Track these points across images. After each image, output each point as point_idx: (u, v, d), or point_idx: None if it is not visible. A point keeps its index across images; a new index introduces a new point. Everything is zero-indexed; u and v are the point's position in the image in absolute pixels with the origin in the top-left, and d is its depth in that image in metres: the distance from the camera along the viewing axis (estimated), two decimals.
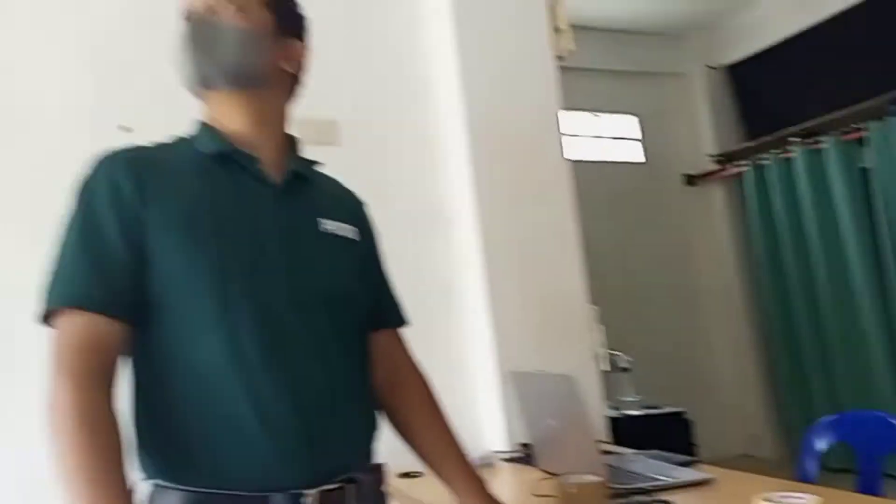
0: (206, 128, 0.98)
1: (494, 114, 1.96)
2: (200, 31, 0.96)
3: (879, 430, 1.51)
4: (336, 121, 1.94)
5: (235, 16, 0.96)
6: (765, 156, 3.90)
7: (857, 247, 3.42)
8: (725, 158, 4.15)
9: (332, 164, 1.25)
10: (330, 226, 0.99)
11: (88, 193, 0.90)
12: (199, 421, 0.87)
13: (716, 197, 4.28)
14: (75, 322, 0.85)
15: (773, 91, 3.93)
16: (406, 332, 1.12)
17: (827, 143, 3.58)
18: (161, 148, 0.97)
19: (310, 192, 1.01)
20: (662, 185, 4.17)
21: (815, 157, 3.64)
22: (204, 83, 0.96)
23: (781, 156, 3.81)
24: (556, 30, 2.05)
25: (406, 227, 1.90)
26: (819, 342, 3.60)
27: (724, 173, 4.17)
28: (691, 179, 4.29)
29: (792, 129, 3.71)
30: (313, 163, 1.06)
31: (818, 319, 3.59)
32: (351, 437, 0.95)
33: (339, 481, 0.90)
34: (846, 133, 3.51)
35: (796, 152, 3.71)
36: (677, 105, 4.26)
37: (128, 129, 1.64)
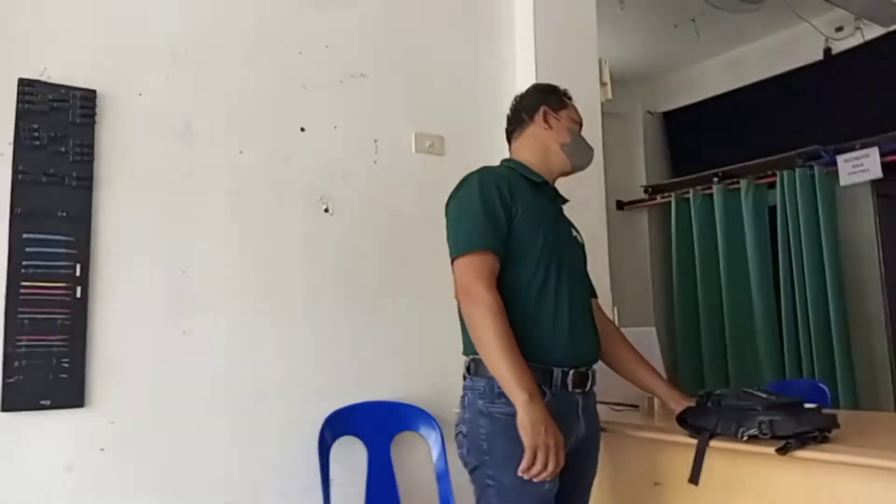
0: (523, 165, 1.73)
1: None
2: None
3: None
4: (443, 136, 2.35)
5: None
6: (688, 190, 4.68)
7: (759, 272, 4.25)
8: (654, 190, 4.91)
9: (440, 170, 2.11)
10: (573, 230, 1.77)
11: (483, 189, 1.59)
12: (523, 318, 1.52)
13: (643, 222, 5.03)
14: (485, 257, 1.52)
15: (700, 137, 4.73)
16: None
17: (742, 184, 4.40)
18: (506, 172, 1.68)
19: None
20: None
21: (732, 194, 4.46)
22: (575, 171, 1.80)
23: (702, 191, 4.60)
24: (602, 83, 2.58)
25: None
26: (720, 357, 4.40)
27: (652, 202, 4.93)
28: (621, 205, 5.01)
29: (714, 170, 4.51)
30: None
31: (721, 336, 4.40)
32: (594, 344, 1.66)
33: (587, 368, 1.61)
34: (759, 177, 4.35)
35: (715, 189, 4.52)
36: (618, 142, 4.97)
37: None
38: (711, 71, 4.58)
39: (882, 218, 4.09)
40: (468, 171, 2.37)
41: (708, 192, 4.51)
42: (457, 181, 2.35)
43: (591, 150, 1.82)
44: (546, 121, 1.75)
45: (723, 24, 4.13)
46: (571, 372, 1.55)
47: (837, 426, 1.45)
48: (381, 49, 2.30)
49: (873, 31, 4.00)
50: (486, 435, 1.50)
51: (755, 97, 4.35)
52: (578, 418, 1.59)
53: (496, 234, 1.53)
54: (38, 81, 1.80)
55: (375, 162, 2.25)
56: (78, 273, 1.80)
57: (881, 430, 1.81)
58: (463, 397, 1.59)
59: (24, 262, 1.75)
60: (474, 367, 1.56)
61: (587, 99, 2.53)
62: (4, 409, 1.70)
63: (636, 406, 2.08)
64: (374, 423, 2.14)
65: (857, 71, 4.01)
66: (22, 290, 1.74)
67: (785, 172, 4.21)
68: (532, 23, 2.47)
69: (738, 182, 4.44)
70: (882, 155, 3.73)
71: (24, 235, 1.75)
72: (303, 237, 2.12)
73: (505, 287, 1.52)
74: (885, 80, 3.81)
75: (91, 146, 1.85)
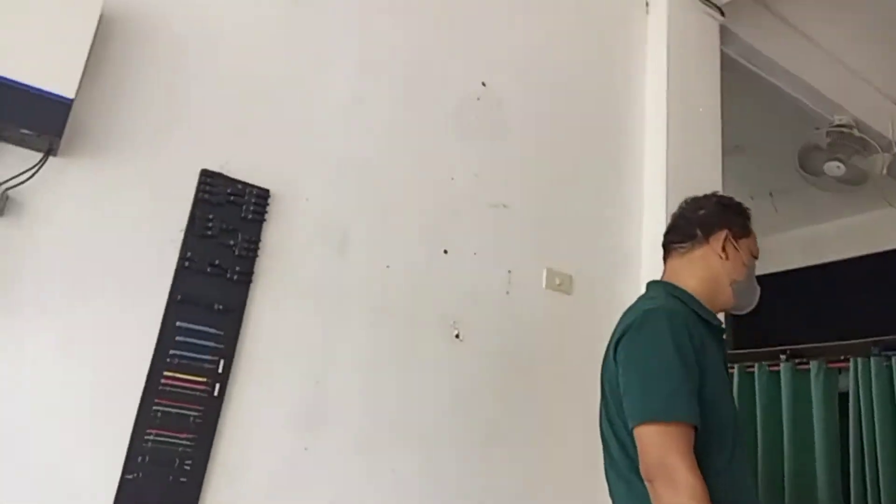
0: (696, 300, 1.49)
1: None
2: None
3: None
4: (571, 275, 2.34)
5: None
6: (753, 364, 4.60)
7: (827, 460, 4.06)
8: None
9: (567, 309, 2.22)
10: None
11: (676, 337, 1.34)
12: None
13: None
14: (686, 430, 1.26)
15: (767, 311, 4.72)
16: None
17: (812, 366, 4.33)
18: (684, 311, 1.44)
19: None
20: None
21: (800, 374, 4.38)
22: (742, 310, 1.58)
23: (769, 367, 4.51)
24: None
25: None
26: None
27: None
28: None
29: (781, 347, 4.45)
30: None
31: None
32: None
33: None
34: (830, 361, 4.28)
35: (783, 367, 4.44)
36: None
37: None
38: (785, 244, 4.66)
39: None
40: (595, 312, 2.37)
41: (774, 368, 4.44)
42: (581, 321, 2.33)
43: (757, 290, 1.61)
44: (724, 249, 1.52)
45: (802, 200, 4.26)
46: None
47: None
48: (524, 183, 2.36)
49: None
50: None
51: (831, 277, 4.40)
52: None
53: (695, 402, 1.29)
54: (219, 174, 1.83)
55: (508, 293, 2.23)
56: (220, 370, 1.73)
57: None
58: None
59: (171, 351, 1.68)
60: None
61: None
62: None
63: None
64: None
65: None
66: (163, 381, 1.66)
67: (859, 360, 4.15)
68: (664, 178, 2.53)
69: (806, 362, 4.37)
70: None
71: (178, 323, 1.70)
72: (431, 361, 2.06)
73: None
74: None
75: (257, 243, 1.84)
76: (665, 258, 1.67)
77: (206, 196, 1.80)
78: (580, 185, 2.50)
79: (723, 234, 1.54)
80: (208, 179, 1.81)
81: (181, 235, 1.76)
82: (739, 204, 1.63)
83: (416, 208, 2.14)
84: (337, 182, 2.02)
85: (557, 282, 2.32)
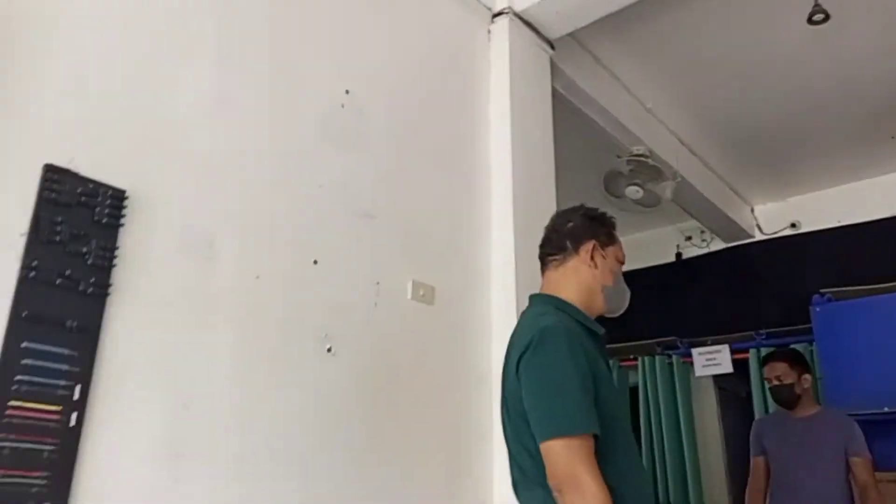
0: (578, 311, 1.61)
1: None
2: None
3: None
4: (434, 287, 2.39)
5: None
6: None
7: None
8: None
9: (429, 321, 2.30)
10: None
11: (573, 352, 1.44)
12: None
13: None
14: (588, 443, 1.38)
15: None
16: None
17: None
18: (573, 326, 1.55)
19: None
20: None
21: None
22: (616, 313, 1.70)
23: None
24: None
25: (463, 379, 2.37)
26: None
27: None
28: None
29: None
30: None
31: None
32: None
33: None
34: (623, 360, 4.85)
35: None
36: None
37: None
38: None
39: (722, 406, 4.71)
40: (454, 322, 2.44)
41: None
42: (442, 331, 2.40)
43: (627, 293, 1.71)
44: (593, 258, 1.62)
45: None
46: None
47: None
48: (388, 194, 2.36)
49: (718, 244, 4.88)
50: None
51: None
52: None
53: (594, 412, 1.38)
54: (67, 171, 1.59)
55: (376, 304, 2.22)
56: (76, 396, 1.49)
57: None
58: None
59: (16, 377, 1.42)
60: None
61: None
62: None
63: None
64: None
65: (704, 276, 4.81)
66: (9, 412, 1.39)
67: (646, 358, 4.76)
68: (511, 198, 2.69)
69: None
70: (732, 352, 4.40)
71: (24, 344, 1.44)
72: (303, 375, 1.97)
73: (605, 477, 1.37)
74: (729, 286, 4.61)
75: (113, 250, 1.62)
76: (542, 270, 1.76)
77: (53, 196, 1.55)
78: (437, 201, 2.57)
79: (591, 244, 1.65)
80: (54, 176, 1.56)
81: (23, 240, 1.50)
82: (604, 214, 1.74)
83: (285, 216, 2.05)
84: (201, 184, 1.87)
85: (421, 293, 2.36)
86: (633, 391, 4.76)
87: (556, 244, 1.70)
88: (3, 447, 1.37)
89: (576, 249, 1.66)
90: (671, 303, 4.73)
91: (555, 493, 1.37)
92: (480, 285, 2.60)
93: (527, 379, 1.47)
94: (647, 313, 4.80)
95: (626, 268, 5.15)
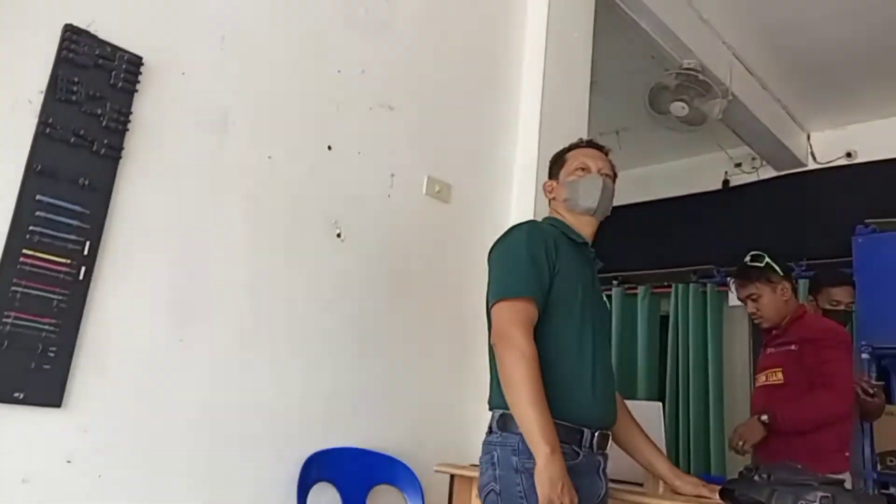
0: (565, 224, 1.78)
1: None
2: (607, 186, 1.79)
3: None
4: (450, 184, 2.41)
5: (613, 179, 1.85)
6: None
7: (647, 371, 4.65)
8: None
9: (444, 217, 2.36)
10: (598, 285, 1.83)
11: (530, 238, 1.65)
12: (557, 375, 1.54)
13: None
14: (526, 305, 1.56)
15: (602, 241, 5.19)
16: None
17: (640, 290, 4.86)
18: (550, 229, 1.74)
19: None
20: None
21: (629, 298, 4.90)
22: (593, 213, 1.78)
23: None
24: None
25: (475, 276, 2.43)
26: None
27: None
28: None
29: (613, 273, 4.94)
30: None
31: None
32: (614, 407, 1.71)
33: (608, 430, 1.66)
34: (656, 286, 4.83)
35: (614, 291, 4.94)
36: None
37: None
38: (622, 181, 5.09)
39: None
40: (470, 222, 2.48)
41: (607, 292, 4.92)
42: (458, 230, 2.44)
43: (595, 186, 1.77)
44: (548, 193, 1.87)
45: (641, 141, 4.67)
46: (597, 433, 1.61)
47: None
48: (409, 84, 2.36)
49: (767, 173, 4.73)
50: (523, 492, 1.49)
51: (658, 213, 4.90)
52: (601, 478, 1.65)
53: (539, 284, 1.58)
54: (86, 32, 1.65)
55: (389, 196, 2.26)
56: (86, 251, 1.60)
57: None
58: (490, 454, 1.58)
59: (30, 227, 1.52)
60: (503, 423, 1.56)
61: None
62: None
63: (640, 484, 1.99)
64: (351, 473, 2.04)
65: (750, 204, 4.69)
66: (22, 259, 1.51)
67: (680, 285, 4.73)
68: (539, 100, 2.66)
69: (635, 287, 4.90)
70: None
71: (38, 197, 1.54)
72: (312, 258, 2.05)
73: (541, 341, 1.54)
74: (776, 216, 4.49)
75: (128, 115, 1.69)
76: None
77: (71, 55, 1.61)
78: (460, 96, 2.56)
79: (549, 184, 1.90)
80: (73, 37, 1.62)
81: (40, 97, 1.57)
82: (555, 154, 1.94)
83: (301, 98, 2.08)
84: (217, 58, 1.90)
85: (437, 189, 2.39)
86: (665, 319, 4.77)
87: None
88: (16, 292, 1.49)
89: (547, 193, 1.91)
90: (712, 231, 4.64)
91: (494, 350, 1.56)
92: (501, 187, 2.61)
93: (489, 264, 1.70)
94: (685, 241, 4.76)
95: (669, 194, 5.01)
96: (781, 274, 2.67)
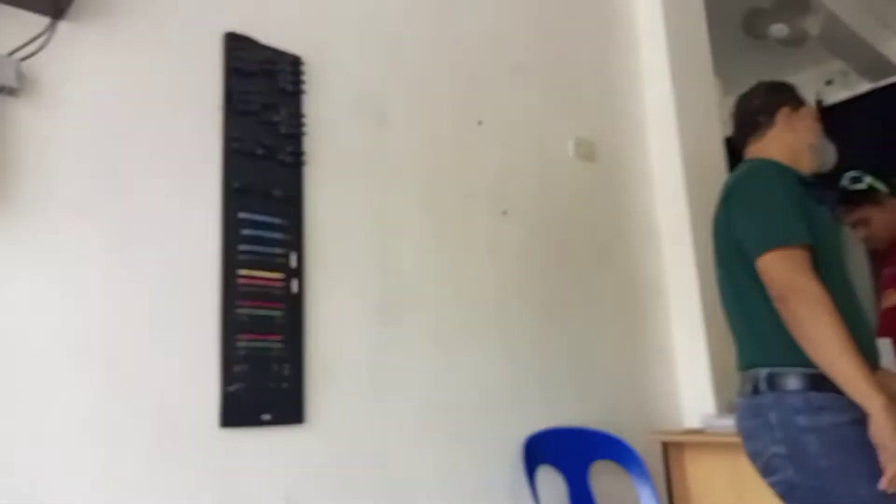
0: (792, 169, 1.58)
1: (699, 152, 2.51)
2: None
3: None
4: (595, 143, 2.32)
5: None
6: None
7: None
8: None
9: (592, 177, 2.27)
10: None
11: (786, 179, 1.48)
12: (847, 321, 1.34)
13: None
14: (805, 252, 1.39)
15: None
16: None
17: None
18: (787, 168, 1.55)
19: None
20: None
21: None
22: (814, 171, 1.65)
23: None
24: None
25: (633, 234, 2.35)
26: None
27: None
28: None
29: None
30: None
31: None
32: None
33: None
34: None
35: None
36: None
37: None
38: None
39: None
40: (618, 179, 2.38)
41: None
42: (606, 190, 2.34)
43: (832, 147, 1.75)
44: (792, 122, 1.67)
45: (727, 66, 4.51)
46: None
47: None
48: (539, 45, 2.29)
49: (860, 87, 4.52)
50: (820, 452, 1.35)
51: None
52: None
53: (809, 228, 1.41)
54: (247, 39, 1.59)
55: (542, 163, 2.18)
56: (294, 264, 1.55)
57: None
58: (762, 416, 1.43)
59: (239, 246, 1.47)
60: (776, 381, 1.41)
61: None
62: (223, 425, 1.39)
63: None
64: (569, 452, 1.97)
65: (847, 121, 4.48)
66: (240, 279, 1.46)
67: None
68: (665, 49, 2.55)
69: None
70: None
71: (240, 215, 1.49)
72: (485, 238, 1.98)
73: None
74: (874, 132, 4.28)
75: (301, 118, 1.63)
76: (744, 155, 1.76)
77: (238, 65, 1.56)
78: (585, 52, 2.46)
79: (785, 110, 1.68)
80: (235, 45, 1.57)
81: (219, 113, 1.52)
82: (784, 83, 1.76)
83: (443, 74, 2.01)
84: (366, 47, 1.84)
85: (584, 149, 2.29)
86: None
87: (750, 124, 1.73)
88: (243, 314, 1.45)
89: (772, 121, 1.69)
90: None
91: (778, 305, 1.38)
92: (639, 140, 2.51)
93: (737, 208, 1.51)
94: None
95: None
96: (887, 190, 2.51)
